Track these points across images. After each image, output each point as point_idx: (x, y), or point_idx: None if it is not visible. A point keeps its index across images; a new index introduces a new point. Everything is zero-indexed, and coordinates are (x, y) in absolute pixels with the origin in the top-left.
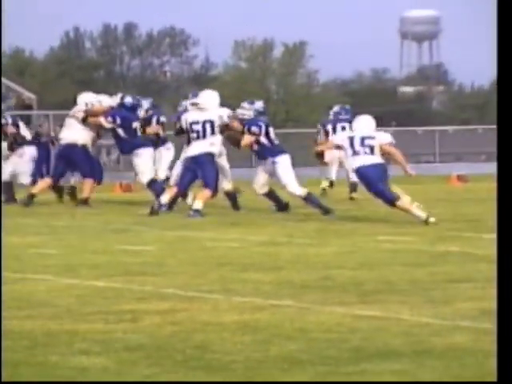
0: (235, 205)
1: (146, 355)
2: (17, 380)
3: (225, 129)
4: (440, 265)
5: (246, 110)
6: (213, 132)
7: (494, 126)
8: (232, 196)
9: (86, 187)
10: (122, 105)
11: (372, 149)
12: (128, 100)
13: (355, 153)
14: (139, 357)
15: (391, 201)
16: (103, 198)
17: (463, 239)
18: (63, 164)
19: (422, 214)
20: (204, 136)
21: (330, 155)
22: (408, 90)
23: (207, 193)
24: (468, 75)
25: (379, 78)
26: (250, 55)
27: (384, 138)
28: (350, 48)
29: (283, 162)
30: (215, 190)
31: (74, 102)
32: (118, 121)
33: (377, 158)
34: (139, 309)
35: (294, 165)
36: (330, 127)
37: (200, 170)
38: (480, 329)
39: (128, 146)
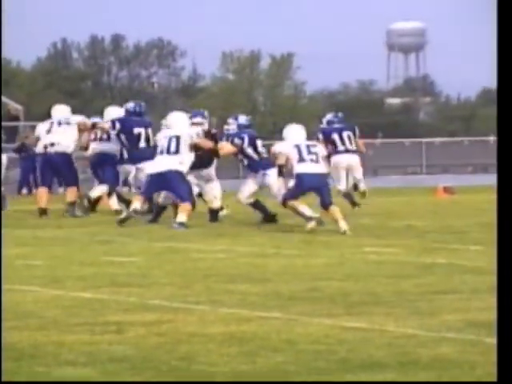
0: (214, 219)
1: (132, 366)
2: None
3: (194, 148)
4: (426, 276)
5: (231, 125)
6: (177, 148)
7: (481, 138)
8: (214, 213)
9: (73, 193)
10: (126, 111)
11: (317, 157)
12: (130, 105)
13: (302, 159)
14: (124, 368)
15: (326, 205)
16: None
17: (449, 251)
18: (51, 171)
19: (311, 213)
20: (168, 151)
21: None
22: (395, 101)
23: (187, 205)
24: (455, 87)
25: (366, 90)
26: (237, 67)
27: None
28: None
29: (273, 175)
30: (193, 202)
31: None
32: (118, 126)
33: (321, 167)
34: (125, 320)
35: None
36: (336, 136)
37: (170, 187)
38: (466, 340)
39: (130, 155)
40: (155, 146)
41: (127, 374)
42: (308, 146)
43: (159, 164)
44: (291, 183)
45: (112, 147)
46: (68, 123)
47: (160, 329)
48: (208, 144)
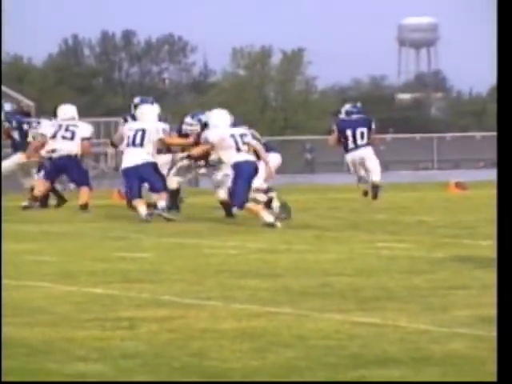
0: (230, 214)
1: (143, 362)
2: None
3: (161, 144)
4: (438, 272)
5: (189, 125)
6: (142, 141)
7: (493, 133)
8: (226, 205)
9: (85, 194)
10: (135, 106)
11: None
12: (137, 100)
13: (238, 149)
14: (136, 364)
15: (241, 204)
16: (101, 205)
17: (461, 246)
18: (58, 173)
19: (270, 218)
20: (133, 143)
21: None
22: (406, 96)
23: (164, 194)
24: (466, 82)
25: (377, 85)
26: (248, 62)
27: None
28: (348, 55)
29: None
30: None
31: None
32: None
33: (252, 156)
34: (137, 316)
35: (292, 172)
36: (349, 132)
37: (147, 179)
38: (478, 336)
39: None
40: None
41: (139, 370)
42: (241, 136)
43: (132, 157)
44: (221, 175)
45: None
46: (74, 132)
47: (172, 325)
48: (175, 141)
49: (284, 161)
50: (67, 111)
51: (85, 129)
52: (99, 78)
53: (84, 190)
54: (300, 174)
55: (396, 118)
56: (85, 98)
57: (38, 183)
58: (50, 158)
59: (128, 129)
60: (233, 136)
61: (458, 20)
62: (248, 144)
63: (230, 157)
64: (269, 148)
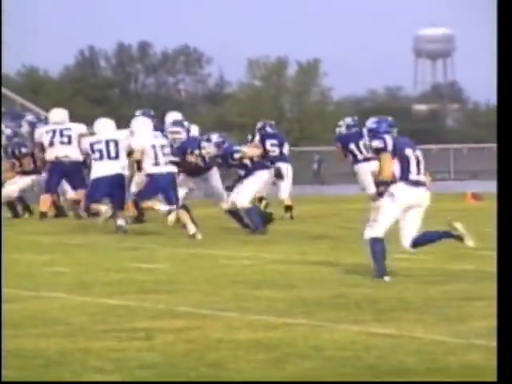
0: (242, 222)
1: (160, 373)
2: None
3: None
4: (454, 283)
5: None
6: (117, 153)
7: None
8: (235, 213)
9: (79, 194)
10: None
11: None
12: (137, 113)
13: (157, 161)
14: (152, 375)
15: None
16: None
17: (477, 257)
18: (60, 178)
19: (193, 229)
20: (109, 156)
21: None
22: (422, 108)
23: (129, 206)
24: (483, 93)
25: (393, 96)
26: (263, 73)
27: None
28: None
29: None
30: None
31: (89, 121)
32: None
33: (172, 167)
34: (152, 327)
35: (308, 183)
36: (353, 146)
37: (114, 192)
38: (494, 347)
39: None
40: None
41: (155, 381)
42: (162, 147)
43: (102, 169)
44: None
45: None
46: (70, 136)
47: (188, 335)
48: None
49: (298, 172)
50: (58, 115)
51: (78, 127)
52: (115, 90)
53: (80, 191)
54: (311, 185)
55: (412, 129)
56: (101, 109)
57: (43, 199)
58: (58, 162)
59: (95, 142)
60: (153, 147)
61: (474, 31)
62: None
63: (147, 167)
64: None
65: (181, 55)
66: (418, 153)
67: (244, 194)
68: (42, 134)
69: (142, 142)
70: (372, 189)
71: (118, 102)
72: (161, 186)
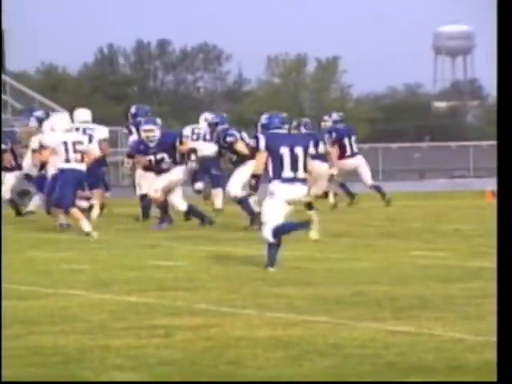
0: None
1: (179, 370)
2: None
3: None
4: (473, 280)
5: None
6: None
7: None
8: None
9: (100, 195)
10: (131, 115)
11: (82, 154)
12: (133, 109)
13: (67, 160)
14: (172, 372)
15: (66, 208)
16: (134, 214)
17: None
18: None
19: (89, 228)
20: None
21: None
22: (442, 105)
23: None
24: None
25: (413, 93)
26: (283, 71)
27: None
28: (384, 63)
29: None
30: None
31: (109, 118)
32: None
33: (80, 165)
34: (172, 324)
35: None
36: (346, 140)
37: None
38: None
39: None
40: None
41: (175, 378)
42: (74, 144)
43: (67, 165)
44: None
45: None
46: (91, 135)
47: (207, 333)
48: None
49: None
50: (83, 115)
51: (101, 131)
52: (134, 87)
53: (98, 191)
54: (330, 183)
55: (432, 126)
56: (120, 106)
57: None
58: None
59: (58, 139)
60: (65, 143)
61: (495, 28)
62: (82, 152)
63: (57, 162)
64: None
65: (200, 52)
66: (299, 150)
67: (235, 183)
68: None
69: (52, 139)
70: (369, 181)
71: (137, 100)
72: (71, 182)
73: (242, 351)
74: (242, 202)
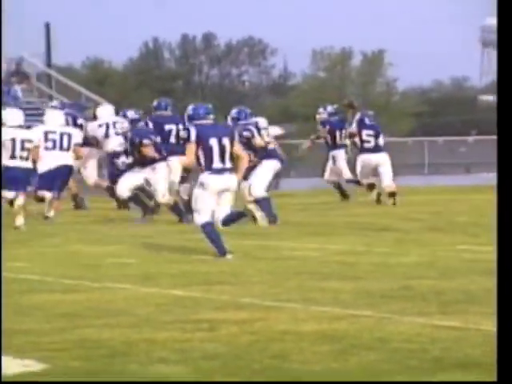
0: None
1: (224, 364)
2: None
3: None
4: None
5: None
6: (69, 145)
7: None
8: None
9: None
10: (154, 108)
11: (28, 154)
12: (155, 103)
13: (13, 156)
14: (217, 366)
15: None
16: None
17: None
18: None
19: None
20: (61, 147)
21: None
22: (488, 98)
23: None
24: None
25: (459, 87)
26: (328, 64)
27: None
28: (430, 56)
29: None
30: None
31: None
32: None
33: (29, 164)
34: (217, 318)
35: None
36: (338, 133)
37: (61, 182)
38: None
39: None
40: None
41: (219, 372)
42: (23, 142)
43: (54, 159)
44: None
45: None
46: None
47: (252, 327)
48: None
49: None
50: (108, 110)
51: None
52: (179, 81)
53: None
54: (375, 176)
55: (478, 119)
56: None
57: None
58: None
59: (43, 132)
60: (13, 140)
61: None
62: (29, 150)
63: (4, 159)
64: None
65: (245, 46)
66: (226, 141)
67: (257, 185)
68: (94, 128)
69: (4, 134)
70: (347, 174)
71: (182, 94)
72: (13, 179)
73: (287, 345)
74: (260, 202)
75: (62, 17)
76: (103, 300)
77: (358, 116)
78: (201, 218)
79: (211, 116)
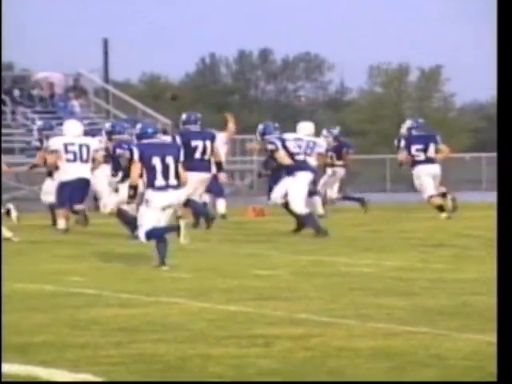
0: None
1: (279, 380)
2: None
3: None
4: None
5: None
6: (88, 156)
7: None
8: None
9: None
10: (182, 122)
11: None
12: (183, 117)
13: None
14: (272, 382)
15: None
16: (235, 222)
17: None
18: None
19: (8, 234)
20: (81, 159)
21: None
22: None
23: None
24: None
25: None
26: (384, 80)
27: None
28: (488, 71)
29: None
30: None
31: (210, 127)
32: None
33: None
34: (271, 333)
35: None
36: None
37: (82, 195)
38: None
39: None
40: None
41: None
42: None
43: (73, 171)
44: None
45: None
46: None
47: (307, 343)
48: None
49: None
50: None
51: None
52: (235, 96)
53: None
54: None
55: None
56: (221, 115)
57: None
58: None
59: (64, 143)
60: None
61: None
62: None
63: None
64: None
65: (301, 62)
66: (170, 159)
67: (297, 201)
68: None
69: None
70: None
71: (238, 109)
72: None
73: (342, 361)
74: (306, 217)
75: (119, 32)
76: (159, 315)
77: (407, 125)
78: (143, 229)
79: (158, 135)
